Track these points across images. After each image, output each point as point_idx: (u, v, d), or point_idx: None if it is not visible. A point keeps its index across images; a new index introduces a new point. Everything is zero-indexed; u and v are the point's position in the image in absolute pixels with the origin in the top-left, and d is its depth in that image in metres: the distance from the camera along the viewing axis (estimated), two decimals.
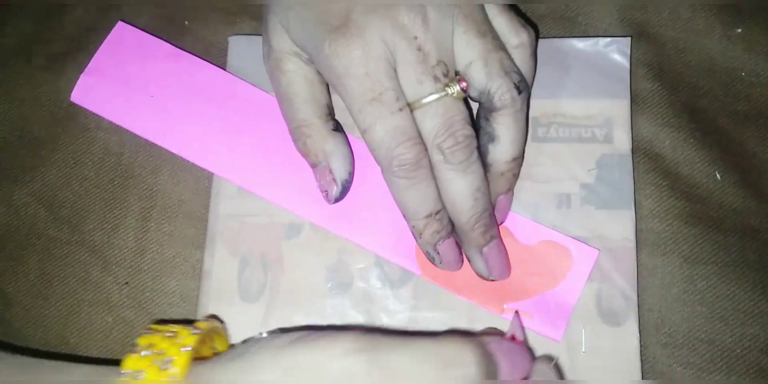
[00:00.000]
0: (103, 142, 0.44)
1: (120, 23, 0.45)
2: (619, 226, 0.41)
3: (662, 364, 0.40)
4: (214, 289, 0.41)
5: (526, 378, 0.34)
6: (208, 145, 0.43)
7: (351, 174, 0.40)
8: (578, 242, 0.41)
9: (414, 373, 0.29)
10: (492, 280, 0.40)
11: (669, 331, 0.41)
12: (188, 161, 0.42)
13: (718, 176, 0.43)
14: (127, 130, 0.42)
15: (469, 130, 0.36)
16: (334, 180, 0.39)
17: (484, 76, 0.37)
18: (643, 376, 0.39)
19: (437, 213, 0.37)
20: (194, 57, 0.44)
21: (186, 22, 0.46)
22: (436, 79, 0.36)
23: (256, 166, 0.42)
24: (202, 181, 0.43)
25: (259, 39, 0.44)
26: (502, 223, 0.41)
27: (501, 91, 0.37)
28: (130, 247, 0.43)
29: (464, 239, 0.39)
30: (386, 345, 0.30)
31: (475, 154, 0.37)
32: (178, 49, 0.44)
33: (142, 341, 0.31)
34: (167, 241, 0.43)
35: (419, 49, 0.36)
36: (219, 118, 0.43)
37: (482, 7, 0.38)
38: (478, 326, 0.40)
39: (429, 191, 0.37)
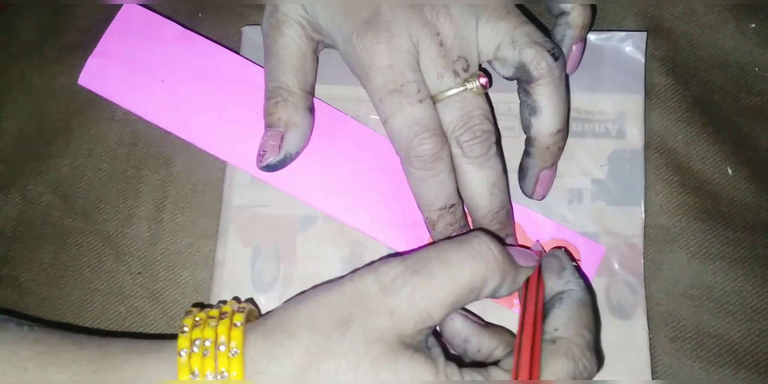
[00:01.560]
0: (116, 133, 0.45)
1: (127, 4, 0.44)
2: (629, 222, 0.42)
3: (671, 357, 0.41)
4: (227, 279, 0.41)
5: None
6: (220, 132, 0.42)
7: (298, 153, 0.40)
8: (586, 239, 0.41)
9: (440, 254, 0.33)
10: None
11: (677, 325, 0.41)
12: (201, 151, 0.42)
13: (729, 171, 0.43)
14: (141, 121, 0.42)
15: (487, 125, 0.37)
16: (280, 148, 0.39)
17: (513, 51, 0.37)
18: (652, 368, 0.40)
19: (451, 206, 0.38)
20: (206, 40, 0.43)
21: (199, 15, 0.46)
22: (455, 73, 0.36)
23: None
24: (215, 171, 0.44)
25: None
26: (542, 199, 0.41)
27: (536, 61, 0.37)
28: (143, 237, 0.43)
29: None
30: (414, 252, 0.34)
31: (494, 149, 0.37)
32: (189, 31, 0.43)
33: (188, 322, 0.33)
34: (180, 232, 0.43)
35: (441, 45, 0.36)
36: (231, 104, 0.42)
37: None
38: (488, 318, 0.40)
39: (445, 184, 0.37)
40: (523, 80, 0.38)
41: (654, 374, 0.40)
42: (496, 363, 0.34)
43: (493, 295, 0.35)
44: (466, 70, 0.37)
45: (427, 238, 0.41)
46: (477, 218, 0.38)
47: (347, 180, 0.42)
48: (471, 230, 0.40)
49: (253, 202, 0.42)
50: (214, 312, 0.33)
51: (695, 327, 0.41)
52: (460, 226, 0.39)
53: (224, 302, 0.40)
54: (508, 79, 0.39)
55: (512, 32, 0.37)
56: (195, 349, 0.31)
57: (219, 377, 0.30)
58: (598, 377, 0.39)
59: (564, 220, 0.42)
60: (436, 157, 0.36)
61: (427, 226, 0.39)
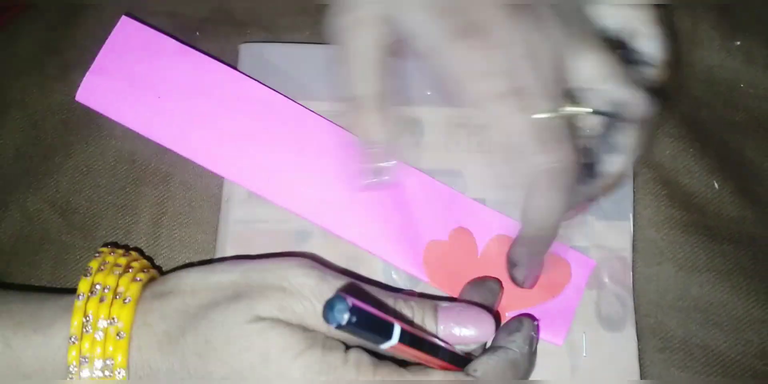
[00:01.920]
0: (115, 149, 0.45)
1: (124, 18, 0.44)
2: (617, 236, 0.43)
3: (659, 367, 0.42)
4: None
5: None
6: (218, 148, 0.42)
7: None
8: (576, 253, 0.42)
9: None
10: (517, 284, 0.41)
11: (665, 336, 0.42)
12: (199, 167, 0.43)
13: (716, 185, 0.44)
14: (139, 138, 0.43)
15: (574, 156, 0.36)
16: (391, 160, 0.38)
17: (615, 88, 0.36)
18: (641, 378, 0.41)
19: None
20: (203, 55, 0.43)
21: (197, 33, 0.47)
22: (551, 97, 0.35)
23: (266, 169, 0.42)
24: (212, 187, 0.44)
25: (270, 47, 0.45)
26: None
27: (634, 103, 0.36)
28: (141, 253, 0.43)
29: (527, 251, 0.39)
30: (333, 274, 0.35)
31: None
32: (186, 47, 0.43)
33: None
34: (178, 247, 0.44)
35: (540, 65, 0.34)
36: (229, 120, 0.43)
37: (595, 24, 0.38)
38: None
39: None
40: (614, 117, 0.37)
41: None
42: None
43: None
44: (561, 95, 0.36)
45: (422, 252, 0.42)
46: (525, 234, 0.38)
47: (343, 194, 0.42)
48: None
49: (250, 217, 0.42)
50: (122, 260, 0.35)
51: (683, 338, 0.42)
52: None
53: (138, 250, 0.43)
54: (594, 111, 0.37)
55: (616, 68, 0.36)
56: (93, 293, 0.32)
57: (109, 323, 0.31)
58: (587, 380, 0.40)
59: None
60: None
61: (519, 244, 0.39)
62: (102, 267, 0.34)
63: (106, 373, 0.31)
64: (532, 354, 0.36)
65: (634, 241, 0.43)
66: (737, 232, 0.44)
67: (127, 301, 0.32)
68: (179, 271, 0.35)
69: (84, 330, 0.31)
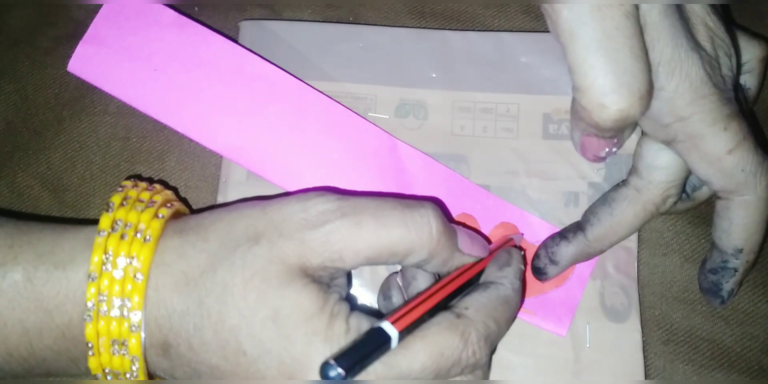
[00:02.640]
0: (109, 126, 0.44)
1: None
2: None
3: (664, 360, 0.41)
4: None
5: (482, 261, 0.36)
6: (216, 124, 0.41)
7: None
8: None
9: (378, 209, 0.32)
10: (540, 280, 0.41)
11: (670, 328, 0.42)
12: (195, 146, 0.41)
13: None
14: (134, 114, 0.41)
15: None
16: (620, 144, 0.37)
17: (740, 171, 0.35)
18: (645, 371, 0.40)
19: None
20: (200, 26, 0.41)
21: (195, 8, 0.45)
22: None
23: (266, 147, 0.41)
24: (209, 167, 0.43)
25: (271, 24, 0.44)
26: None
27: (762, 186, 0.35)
28: None
29: (577, 257, 0.39)
30: (354, 195, 0.33)
31: None
32: (184, 17, 0.42)
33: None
34: None
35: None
36: (228, 95, 0.41)
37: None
38: None
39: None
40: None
41: (647, 377, 0.40)
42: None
43: (421, 267, 0.35)
44: None
45: None
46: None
47: (346, 175, 0.41)
48: (427, 198, 0.40)
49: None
50: (145, 195, 0.34)
51: (688, 330, 0.41)
52: None
53: (163, 183, 0.42)
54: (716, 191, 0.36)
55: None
56: (114, 229, 0.31)
57: (128, 261, 0.30)
58: (592, 382, 0.39)
59: (560, 223, 0.42)
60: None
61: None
62: (124, 202, 0.33)
63: (124, 312, 0.30)
64: (522, 287, 0.36)
65: (640, 231, 0.42)
66: None
67: (147, 239, 0.31)
68: (202, 211, 0.34)
69: (103, 267, 0.30)
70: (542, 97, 0.43)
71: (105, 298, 0.30)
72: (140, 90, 0.41)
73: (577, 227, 0.39)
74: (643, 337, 0.41)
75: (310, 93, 0.42)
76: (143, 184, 0.35)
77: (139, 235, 0.31)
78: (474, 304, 0.33)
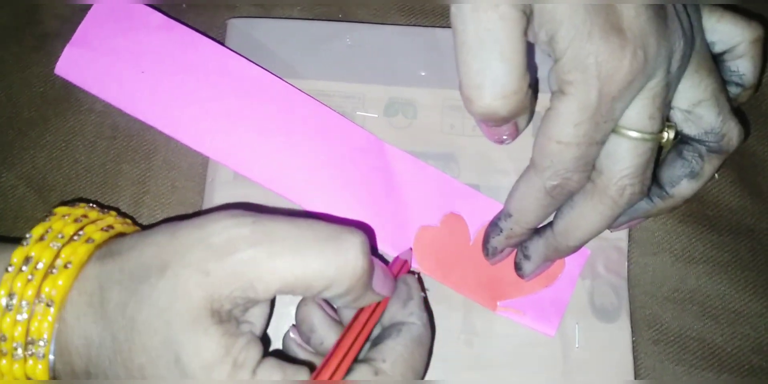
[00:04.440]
0: (95, 125, 0.43)
1: None
2: None
3: (654, 360, 0.41)
4: None
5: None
6: (203, 126, 0.41)
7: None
8: None
9: (299, 239, 0.30)
10: (519, 276, 0.40)
11: (660, 328, 0.41)
12: (183, 145, 0.41)
13: (716, 175, 0.43)
14: (120, 113, 0.41)
15: (650, 181, 0.35)
16: (518, 130, 0.36)
17: (715, 116, 0.35)
18: (635, 371, 0.40)
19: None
20: (188, 29, 0.42)
21: (183, 5, 0.45)
22: (663, 120, 0.34)
23: (253, 149, 0.41)
24: (196, 167, 0.43)
25: (259, 23, 0.43)
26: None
27: (731, 135, 0.36)
28: None
29: (547, 251, 0.38)
30: (272, 217, 0.31)
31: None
32: (171, 20, 0.42)
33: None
34: None
35: (668, 85, 0.33)
36: (215, 97, 0.41)
37: (707, 42, 0.37)
38: (473, 319, 0.40)
39: (553, 208, 0.36)
40: (704, 144, 0.36)
41: (637, 377, 0.40)
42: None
43: (329, 299, 0.33)
44: (668, 119, 0.35)
45: (412, 238, 0.41)
46: (557, 245, 0.37)
47: (333, 177, 0.41)
48: (354, 223, 0.38)
49: (236, 199, 0.41)
50: (70, 228, 0.32)
51: (678, 330, 0.41)
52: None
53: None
54: (683, 136, 0.37)
55: (719, 95, 0.35)
56: (24, 267, 0.30)
57: (37, 301, 0.30)
58: (582, 382, 0.39)
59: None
60: (570, 191, 0.35)
61: (488, 231, 0.39)
62: (44, 236, 0.31)
63: (29, 351, 0.29)
64: (430, 318, 0.35)
65: (630, 230, 0.42)
66: (736, 222, 0.43)
67: (67, 266, 0.30)
68: (136, 234, 0.33)
69: (8, 306, 0.30)
70: (539, 95, 0.43)
71: (6, 338, 0.29)
72: (128, 92, 0.41)
73: (549, 222, 0.39)
74: (633, 336, 0.40)
75: (297, 95, 0.41)
76: (78, 211, 0.34)
77: (55, 271, 0.30)
78: (390, 355, 0.32)
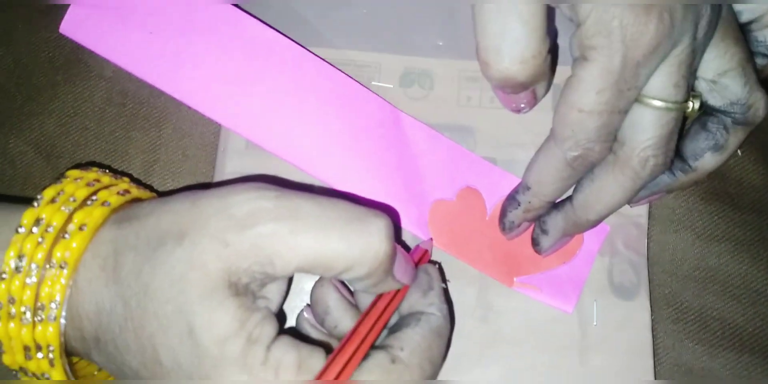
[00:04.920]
0: (105, 91, 0.42)
1: None
2: None
3: (673, 339, 0.40)
4: None
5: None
6: (213, 91, 0.39)
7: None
8: None
9: (322, 217, 0.29)
10: (536, 252, 0.39)
11: (680, 306, 0.40)
12: (194, 113, 0.40)
13: (739, 152, 0.42)
14: (130, 79, 0.40)
15: (673, 153, 0.34)
16: (536, 98, 0.35)
17: (741, 86, 0.34)
18: (654, 350, 0.39)
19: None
20: None
21: None
22: (688, 89, 0.33)
23: (266, 116, 0.40)
24: (207, 135, 0.42)
25: None
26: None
27: (757, 106, 0.35)
28: None
29: (565, 226, 0.37)
30: (296, 193, 0.30)
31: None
32: None
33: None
34: None
35: (693, 52, 0.32)
36: (226, 60, 0.39)
37: (734, 11, 0.36)
38: (488, 295, 0.39)
39: (573, 181, 0.35)
40: (727, 115, 0.35)
41: (655, 356, 0.39)
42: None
43: (348, 282, 0.32)
44: (693, 88, 0.34)
45: (427, 212, 0.40)
46: (577, 219, 0.37)
47: (347, 147, 0.40)
48: (380, 205, 0.38)
49: (247, 169, 0.40)
50: (82, 192, 0.31)
51: (698, 309, 0.40)
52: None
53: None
54: (708, 107, 0.36)
55: (745, 64, 0.34)
56: (35, 229, 0.29)
57: (47, 263, 0.29)
58: (599, 361, 0.38)
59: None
60: (591, 163, 0.34)
61: (506, 205, 0.38)
62: (56, 199, 0.30)
63: (39, 315, 0.29)
64: (450, 310, 0.34)
65: (650, 207, 0.41)
66: (759, 200, 0.42)
67: (82, 229, 0.29)
68: (155, 200, 0.32)
69: (17, 268, 0.29)
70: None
71: (15, 300, 0.28)
72: (135, 54, 0.39)
73: (569, 196, 0.38)
74: (652, 315, 0.40)
75: (312, 60, 0.40)
76: (90, 175, 0.33)
77: (67, 235, 0.29)
78: (409, 343, 0.31)
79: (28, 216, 0.30)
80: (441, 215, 0.40)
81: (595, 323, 0.39)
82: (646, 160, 0.33)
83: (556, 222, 0.37)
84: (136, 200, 0.33)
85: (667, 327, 0.40)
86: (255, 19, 0.40)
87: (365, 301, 0.34)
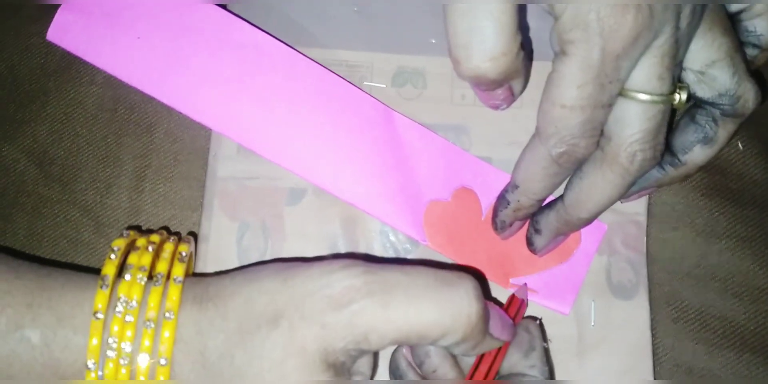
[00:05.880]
0: (96, 97, 0.42)
1: None
2: None
3: (673, 338, 0.40)
4: (212, 255, 0.39)
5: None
6: (203, 95, 0.39)
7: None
8: None
9: (411, 287, 0.29)
10: (531, 251, 0.39)
11: (680, 305, 0.40)
12: (184, 117, 0.40)
13: (740, 146, 0.41)
14: (121, 84, 0.40)
15: (662, 146, 0.33)
16: (512, 95, 0.35)
17: (729, 77, 0.33)
18: (653, 350, 0.39)
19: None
20: None
21: None
22: (673, 81, 0.32)
23: (256, 120, 0.39)
24: (199, 139, 0.41)
25: None
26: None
27: (746, 97, 0.34)
28: (123, 207, 0.41)
29: (558, 224, 0.37)
30: (381, 266, 0.30)
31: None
32: None
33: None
34: (162, 203, 0.41)
35: (677, 42, 0.31)
36: (215, 64, 0.39)
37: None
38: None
39: (561, 178, 0.35)
40: (716, 106, 0.34)
41: (655, 356, 0.39)
42: None
43: (448, 348, 0.31)
44: (679, 79, 0.33)
45: (422, 213, 0.39)
46: (570, 218, 0.36)
47: (340, 149, 0.39)
48: (463, 268, 0.37)
49: (239, 173, 0.40)
50: (146, 259, 0.31)
51: (699, 308, 0.40)
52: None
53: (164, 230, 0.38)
54: (696, 98, 0.35)
55: (734, 54, 0.33)
56: (118, 307, 0.29)
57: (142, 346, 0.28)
58: (597, 362, 0.38)
59: None
60: (578, 160, 0.33)
61: (497, 204, 0.38)
62: (125, 275, 0.30)
63: None
64: (551, 371, 0.34)
65: (649, 204, 0.41)
66: (761, 196, 0.41)
67: (169, 317, 0.29)
68: (224, 274, 0.32)
69: (108, 352, 0.28)
70: (548, 63, 0.41)
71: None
72: (123, 59, 0.39)
73: (561, 195, 0.37)
74: (651, 314, 0.39)
75: (302, 61, 0.40)
76: (140, 242, 0.32)
77: (151, 324, 0.29)
78: None
79: (100, 300, 0.29)
80: (436, 216, 0.40)
81: (593, 324, 0.39)
82: (634, 154, 0.32)
83: (548, 221, 0.37)
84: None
85: (666, 326, 0.40)
86: (243, 21, 0.40)
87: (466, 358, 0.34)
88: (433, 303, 0.29)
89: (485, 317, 0.30)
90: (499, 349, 0.33)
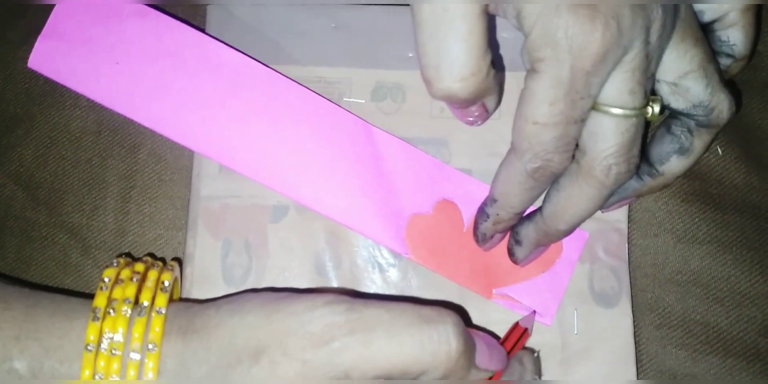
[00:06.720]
0: (80, 120, 0.43)
1: None
2: None
3: (656, 345, 0.40)
4: (198, 273, 0.39)
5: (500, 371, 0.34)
6: (183, 117, 0.39)
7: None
8: None
9: (392, 325, 0.30)
10: (513, 262, 0.39)
11: (663, 312, 0.40)
12: (167, 138, 0.40)
13: (719, 151, 0.41)
14: (105, 108, 0.40)
15: (638, 159, 0.33)
16: (487, 111, 0.35)
17: (703, 88, 0.34)
18: (637, 357, 0.39)
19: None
20: (164, 15, 0.40)
21: None
22: (645, 94, 0.32)
23: (237, 140, 0.40)
24: (183, 159, 0.42)
25: (239, 6, 0.42)
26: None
27: (721, 108, 0.34)
28: (110, 229, 0.41)
29: (537, 236, 0.37)
30: (365, 303, 0.31)
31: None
32: (146, 6, 0.40)
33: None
34: (148, 223, 0.42)
35: (647, 57, 0.31)
36: (194, 86, 0.40)
37: (694, 11, 0.35)
38: (468, 308, 0.39)
39: (538, 192, 0.35)
40: (691, 117, 0.35)
41: (639, 363, 0.39)
42: None
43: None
44: (652, 93, 0.33)
45: (404, 227, 0.40)
46: (548, 229, 0.36)
47: (321, 166, 0.40)
48: (446, 304, 0.38)
49: (222, 192, 0.40)
50: (131, 290, 0.31)
51: (682, 314, 0.40)
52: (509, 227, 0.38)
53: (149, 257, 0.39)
54: (671, 110, 0.35)
55: (707, 66, 0.33)
56: (103, 344, 0.29)
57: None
58: (582, 370, 0.38)
59: None
60: (553, 174, 0.33)
61: (477, 217, 0.38)
62: (111, 311, 0.30)
63: None
64: None
65: (630, 211, 0.41)
66: (741, 200, 0.41)
67: (152, 349, 0.29)
68: (208, 303, 0.32)
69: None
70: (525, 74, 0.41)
71: None
72: (104, 85, 0.39)
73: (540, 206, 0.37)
74: (634, 321, 0.39)
75: (281, 81, 0.40)
76: (124, 272, 0.33)
77: (135, 355, 0.29)
78: None
79: (92, 331, 0.29)
80: (418, 229, 0.40)
81: (576, 332, 0.39)
82: (609, 168, 0.32)
83: (528, 233, 0.37)
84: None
85: (649, 333, 0.40)
86: (220, 43, 0.40)
87: None
88: (413, 340, 0.29)
89: (467, 352, 0.31)
90: (490, 377, 0.33)
